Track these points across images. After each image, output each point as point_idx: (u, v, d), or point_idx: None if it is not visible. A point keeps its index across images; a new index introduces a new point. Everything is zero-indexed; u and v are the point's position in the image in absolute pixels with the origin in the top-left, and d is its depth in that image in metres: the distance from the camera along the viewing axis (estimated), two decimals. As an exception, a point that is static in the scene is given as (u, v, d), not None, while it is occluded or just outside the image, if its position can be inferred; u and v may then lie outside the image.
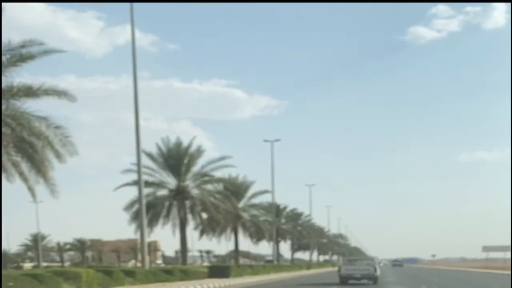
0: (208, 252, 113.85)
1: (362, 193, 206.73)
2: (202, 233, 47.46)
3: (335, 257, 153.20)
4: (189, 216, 40.64)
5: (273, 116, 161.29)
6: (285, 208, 73.65)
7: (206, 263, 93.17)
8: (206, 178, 40.95)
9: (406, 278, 41.90)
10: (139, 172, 30.41)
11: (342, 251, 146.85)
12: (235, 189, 47.95)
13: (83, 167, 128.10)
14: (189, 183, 39.98)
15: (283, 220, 72.84)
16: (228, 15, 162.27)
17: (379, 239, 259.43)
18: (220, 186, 43.10)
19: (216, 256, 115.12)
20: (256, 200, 54.28)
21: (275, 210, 61.34)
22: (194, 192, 40.12)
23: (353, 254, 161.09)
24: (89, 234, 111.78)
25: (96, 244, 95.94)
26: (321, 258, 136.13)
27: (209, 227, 45.76)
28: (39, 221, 74.71)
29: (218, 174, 41.55)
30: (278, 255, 72.38)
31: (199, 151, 39.92)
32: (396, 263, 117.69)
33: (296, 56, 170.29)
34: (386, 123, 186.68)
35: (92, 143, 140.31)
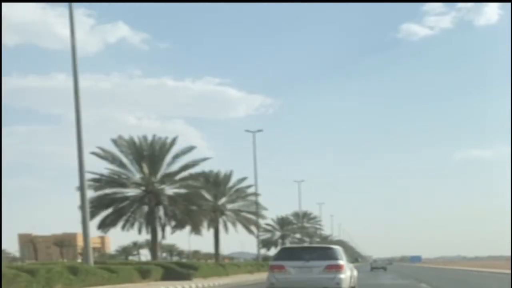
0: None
1: (358, 192, 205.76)
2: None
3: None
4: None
5: (268, 115, 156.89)
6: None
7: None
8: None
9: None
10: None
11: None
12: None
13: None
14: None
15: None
16: (222, 13, 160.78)
17: (378, 239, 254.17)
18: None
19: None
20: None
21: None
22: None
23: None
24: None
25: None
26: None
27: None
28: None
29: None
30: None
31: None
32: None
33: (289, 54, 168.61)
34: (381, 121, 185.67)
35: (85, 142, 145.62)
